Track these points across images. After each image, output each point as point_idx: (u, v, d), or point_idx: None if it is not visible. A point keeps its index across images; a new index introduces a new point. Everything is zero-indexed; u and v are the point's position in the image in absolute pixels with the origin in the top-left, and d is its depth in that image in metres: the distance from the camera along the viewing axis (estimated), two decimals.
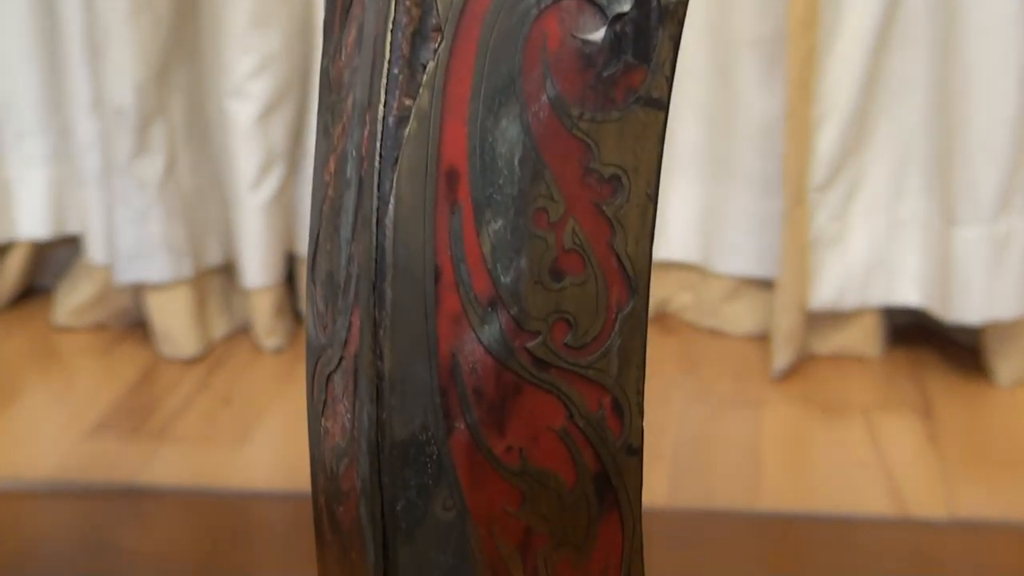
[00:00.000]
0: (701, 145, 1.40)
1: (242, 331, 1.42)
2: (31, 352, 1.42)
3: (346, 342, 0.37)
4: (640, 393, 0.38)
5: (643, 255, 0.38)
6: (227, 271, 1.42)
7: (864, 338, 1.38)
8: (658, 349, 1.41)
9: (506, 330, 0.37)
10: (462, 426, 0.36)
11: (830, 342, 1.39)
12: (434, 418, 0.36)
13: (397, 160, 0.36)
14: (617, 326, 0.38)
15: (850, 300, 1.36)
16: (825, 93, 1.31)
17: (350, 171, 0.38)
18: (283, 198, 1.37)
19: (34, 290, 1.51)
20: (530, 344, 0.37)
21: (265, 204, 1.36)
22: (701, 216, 1.41)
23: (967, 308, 1.30)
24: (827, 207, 1.34)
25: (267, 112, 1.35)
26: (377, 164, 0.37)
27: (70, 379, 1.38)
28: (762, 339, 1.41)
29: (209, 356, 1.40)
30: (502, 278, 0.36)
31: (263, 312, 1.38)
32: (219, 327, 1.42)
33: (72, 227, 1.45)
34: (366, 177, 0.37)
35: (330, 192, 0.39)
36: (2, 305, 1.48)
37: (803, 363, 1.38)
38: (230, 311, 1.42)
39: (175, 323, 1.37)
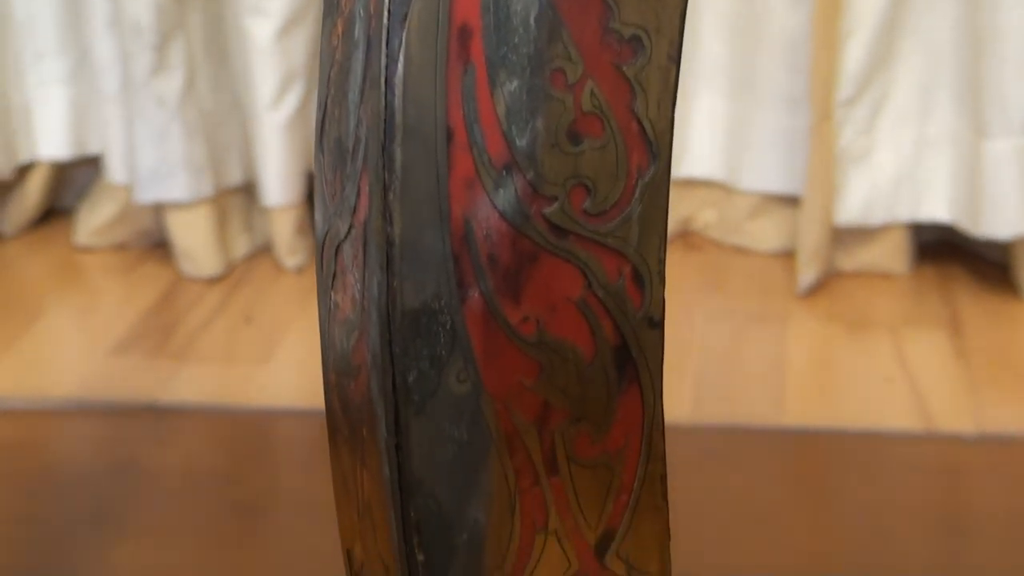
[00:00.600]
0: (726, 59, 1.37)
1: (263, 250, 1.41)
2: (53, 272, 1.41)
3: (355, 209, 0.36)
4: (662, 263, 0.37)
5: (665, 119, 0.37)
6: (248, 190, 1.41)
7: (891, 254, 1.36)
8: (682, 267, 1.39)
9: (521, 195, 0.35)
10: (476, 295, 0.35)
11: (856, 259, 1.37)
12: (447, 286, 0.35)
13: (406, 16, 0.35)
14: (637, 192, 0.36)
15: (877, 216, 1.33)
16: (852, 6, 1.29)
17: (358, 31, 0.36)
18: (303, 116, 1.35)
19: (55, 211, 1.50)
20: (547, 210, 0.35)
21: (285, 122, 1.34)
22: (725, 132, 1.39)
23: (996, 222, 1.28)
24: (854, 122, 1.32)
25: (286, 29, 1.33)
26: (386, 21, 0.35)
27: (92, 299, 1.37)
28: (787, 256, 1.39)
29: (230, 275, 1.38)
30: (517, 141, 0.35)
31: (284, 231, 1.36)
32: (240, 246, 1.40)
33: (92, 147, 1.44)
34: (374, 36, 0.35)
35: (338, 56, 0.37)
36: (24, 226, 1.46)
37: (829, 280, 1.36)
38: (251, 230, 1.41)
39: (196, 242, 1.35)
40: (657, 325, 0.37)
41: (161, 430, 1.20)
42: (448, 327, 0.35)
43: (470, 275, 0.35)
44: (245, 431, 1.19)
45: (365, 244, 0.35)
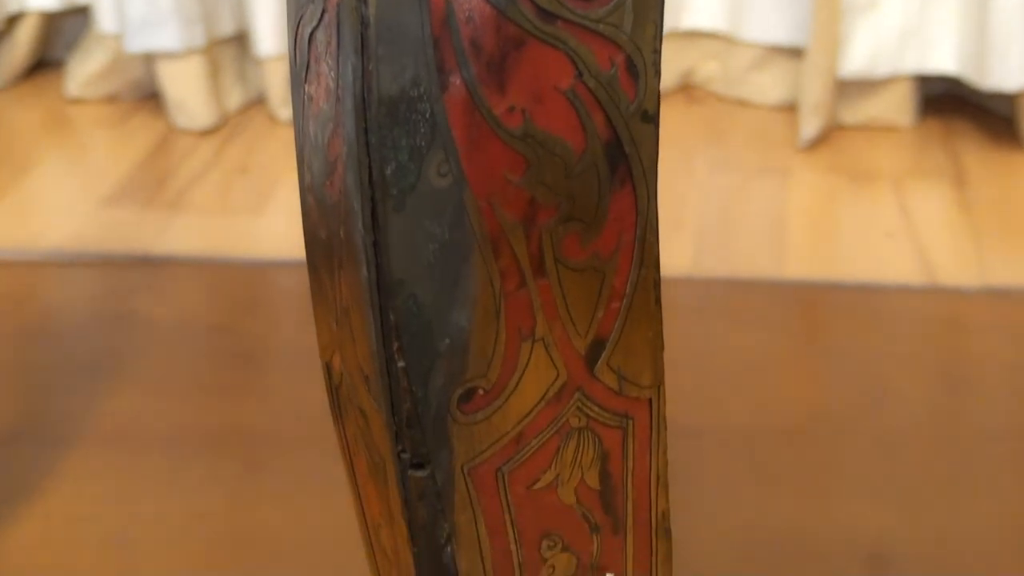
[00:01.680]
0: None
1: (257, 102, 1.38)
2: (44, 124, 1.38)
3: None
4: (657, 53, 0.34)
5: None
6: (240, 40, 1.37)
7: (896, 107, 1.33)
8: (683, 119, 1.36)
9: None
10: (458, 82, 0.32)
11: (860, 112, 1.34)
12: (426, 71, 0.32)
13: None
14: None
15: (882, 68, 1.30)
16: None
17: None
18: None
19: (46, 62, 1.46)
20: None
21: None
22: None
23: (1003, 74, 1.25)
24: None
25: None
26: None
27: (84, 150, 1.35)
28: (790, 109, 1.36)
29: (224, 127, 1.35)
30: None
31: (278, 81, 1.33)
32: (233, 97, 1.37)
33: None
34: None
35: None
36: (14, 77, 1.43)
37: (832, 133, 1.33)
38: (244, 81, 1.38)
39: (189, 93, 1.32)
40: (652, 119, 0.34)
41: (155, 281, 1.18)
42: (428, 116, 0.32)
43: (451, 61, 0.32)
44: (239, 282, 1.17)
45: (339, 27, 0.32)
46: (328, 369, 0.39)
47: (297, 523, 1.00)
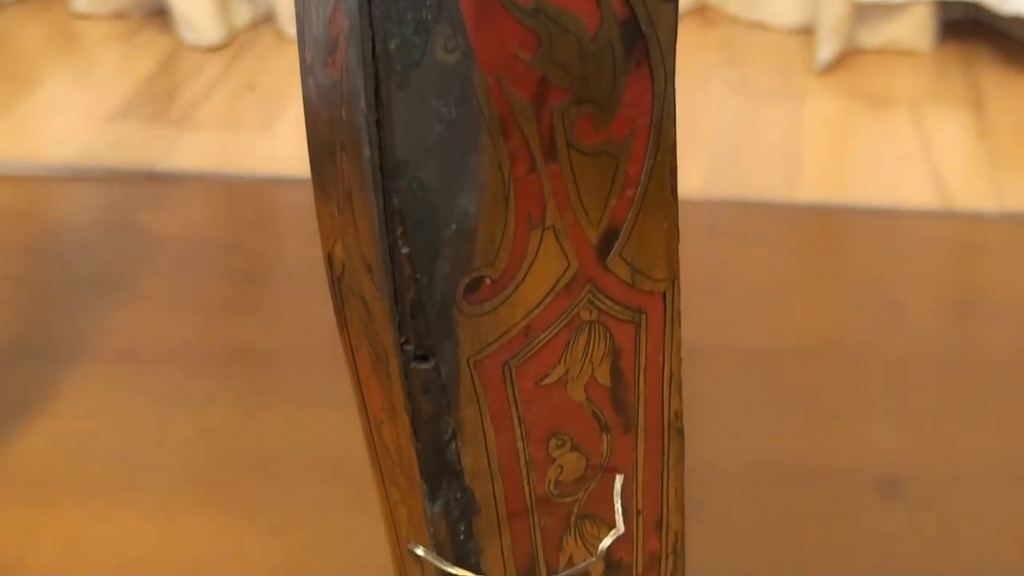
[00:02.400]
0: None
1: (265, 19, 1.36)
2: (51, 39, 1.36)
3: None
4: None
5: None
6: None
7: (914, 31, 1.30)
8: (698, 41, 1.33)
9: None
10: None
11: (878, 35, 1.31)
12: None
13: None
14: None
15: None
16: None
17: None
18: None
19: None
20: None
21: None
22: None
23: None
24: None
25: None
26: None
27: (91, 66, 1.33)
28: (807, 32, 1.33)
29: (232, 43, 1.33)
30: None
31: None
32: (242, 14, 1.35)
33: None
34: None
35: None
36: None
37: (849, 56, 1.30)
38: None
39: (197, 9, 1.30)
40: None
41: (161, 197, 1.16)
42: None
43: None
44: (246, 199, 1.15)
45: None
46: (330, 260, 0.38)
47: (303, 440, 0.99)
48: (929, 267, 1.09)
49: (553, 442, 0.35)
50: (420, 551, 0.36)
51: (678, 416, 0.36)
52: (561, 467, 0.36)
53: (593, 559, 0.36)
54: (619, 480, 0.36)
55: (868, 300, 1.07)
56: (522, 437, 0.35)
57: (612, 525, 0.36)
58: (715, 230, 1.13)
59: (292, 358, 1.05)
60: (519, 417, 0.35)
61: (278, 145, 1.19)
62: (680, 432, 0.37)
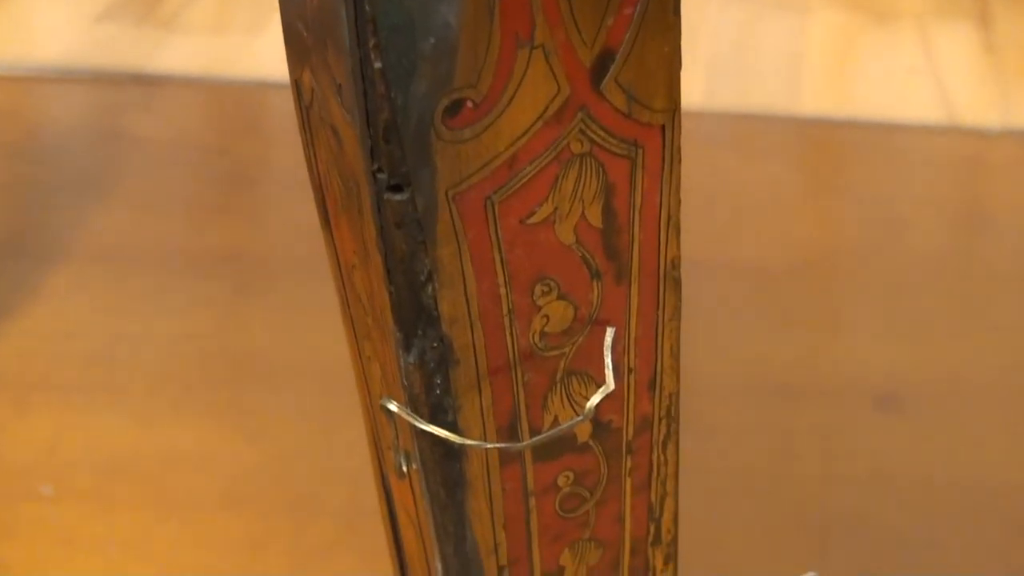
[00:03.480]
0: None
1: None
2: None
3: None
4: None
5: None
6: None
7: None
8: None
9: None
10: None
11: None
12: None
13: None
14: None
15: None
16: None
17: None
18: None
19: None
20: None
21: None
22: None
23: None
24: None
25: None
26: None
27: None
28: None
29: None
30: None
31: None
32: None
33: None
34: None
35: None
36: None
37: None
38: None
39: None
40: None
41: (149, 99, 1.12)
42: None
43: None
44: (235, 102, 1.12)
45: None
46: (298, 88, 0.34)
47: (288, 344, 0.96)
48: (933, 182, 1.06)
49: (538, 289, 0.32)
50: (393, 406, 0.33)
51: (675, 265, 0.33)
52: (547, 317, 0.32)
53: (580, 418, 0.33)
54: (610, 333, 0.33)
55: (869, 214, 1.04)
56: (505, 282, 0.32)
57: (601, 383, 0.33)
58: (714, 142, 1.09)
59: (279, 262, 1.02)
60: (502, 259, 0.31)
61: (269, 48, 1.15)
62: (677, 283, 0.33)
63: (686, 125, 1.03)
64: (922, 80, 1.13)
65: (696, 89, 1.12)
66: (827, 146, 1.10)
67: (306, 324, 0.95)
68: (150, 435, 0.91)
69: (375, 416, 0.36)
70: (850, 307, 0.97)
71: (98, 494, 0.88)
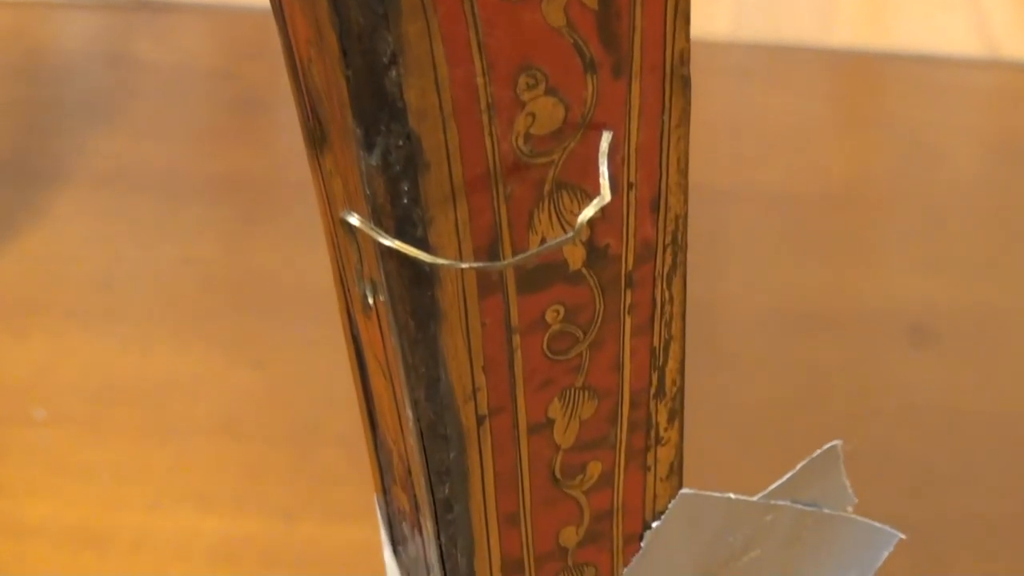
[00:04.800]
0: None
1: None
2: None
3: None
4: None
5: None
6: None
7: None
8: None
9: None
10: None
11: None
12: None
13: None
14: None
15: None
16: None
17: None
18: None
19: None
20: None
21: None
22: None
23: None
24: None
25: None
26: None
27: None
28: None
29: None
30: None
31: None
32: None
33: None
34: None
35: None
36: None
37: None
38: None
39: None
40: None
41: (154, 25, 1.08)
42: None
43: None
44: (244, 27, 1.07)
45: None
46: None
47: (295, 270, 0.91)
48: (970, 115, 1.01)
49: (523, 81, 0.27)
50: (354, 219, 0.28)
51: (684, 60, 0.28)
52: (533, 116, 0.28)
53: (570, 234, 0.28)
54: (606, 139, 0.28)
55: (903, 146, 0.99)
56: (483, 71, 0.27)
57: (596, 197, 0.28)
58: (743, 73, 1.04)
59: (286, 189, 0.97)
60: (479, 43, 0.26)
61: None
62: (686, 82, 0.29)
63: (713, 57, 0.98)
64: (959, 10, 1.08)
65: (724, 19, 1.07)
66: (860, 79, 1.05)
67: (314, 251, 0.90)
68: (148, 361, 0.87)
69: (338, 243, 0.31)
70: (883, 238, 0.92)
71: (92, 420, 0.84)
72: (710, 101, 1.10)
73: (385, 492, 0.35)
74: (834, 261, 0.90)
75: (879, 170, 0.97)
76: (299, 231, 0.93)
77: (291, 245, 0.93)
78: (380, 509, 0.35)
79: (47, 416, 0.84)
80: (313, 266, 0.90)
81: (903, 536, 0.35)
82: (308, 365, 0.85)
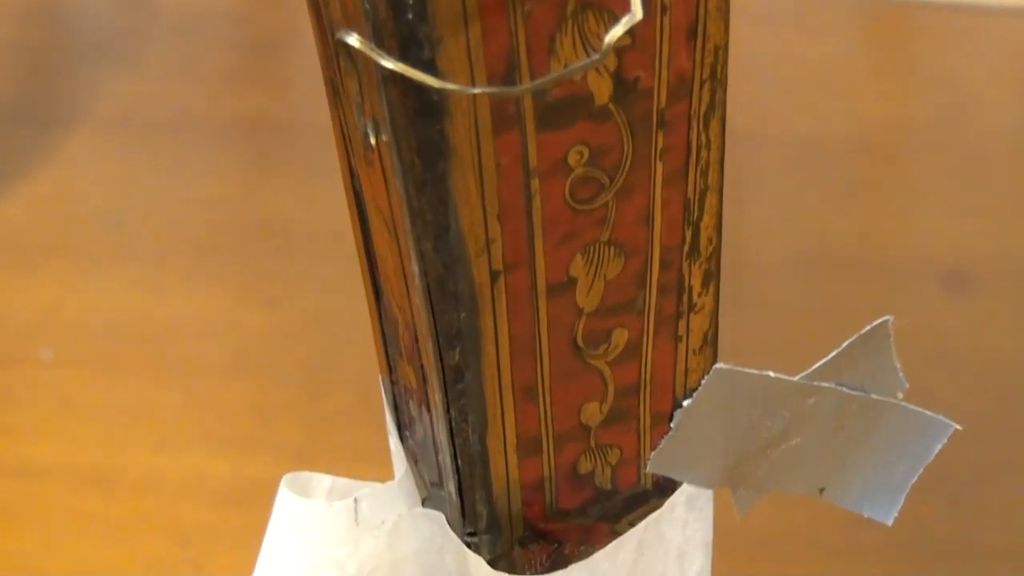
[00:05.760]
0: None
1: None
2: None
3: None
4: None
5: None
6: None
7: None
8: None
9: None
10: None
11: None
12: None
13: None
14: None
15: None
16: None
17: None
18: None
19: None
20: None
21: None
22: None
23: None
24: None
25: None
26: None
27: None
28: None
29: None
30: None
31: None
32: None
33: None
34: None
35: None
36: None
37: None
38: None
39: None
40: None
41: None
42: None
43: None
44: None
45: None
46: None
47: (307, 212, 0.88)
48: (1009, 63, 0.97)
49: None
50: (353, 39, 0.25)
51: None
52: None
53: (596, 57, 0.25)
54: None
55: (938, 93, 0.95)
56: None
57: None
58: (775, 18, 1.01)
59: (301, 130, 0.94)
60: None
61: None
62: None
63: (745, 2, 0.93)
64: None
65: None
66: (897, 27, 1.01)
67: (327, 192, 0.86)
68: (158, 301, 0.84)
69: (338, 74, 0.28)
70: (917, 184, 0.89)
71: (100, 359, 0.81)
72: (742, 47, 1.06)
73: (391, 370, 0.32)
74: (867, 207, 0.87)
75: (913, 116, 0.94)
76: (314, 174, 0.90)
77: (305, 188, 0.90)
78: (385, 390, 0.32)
79: (55, 356, 0.81)
80: (325, 208, 0.87)
81: (958, 427, 0.31)
82: (321, 306, 0.82)
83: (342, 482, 0.31)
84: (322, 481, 0.31)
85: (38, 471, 0.76)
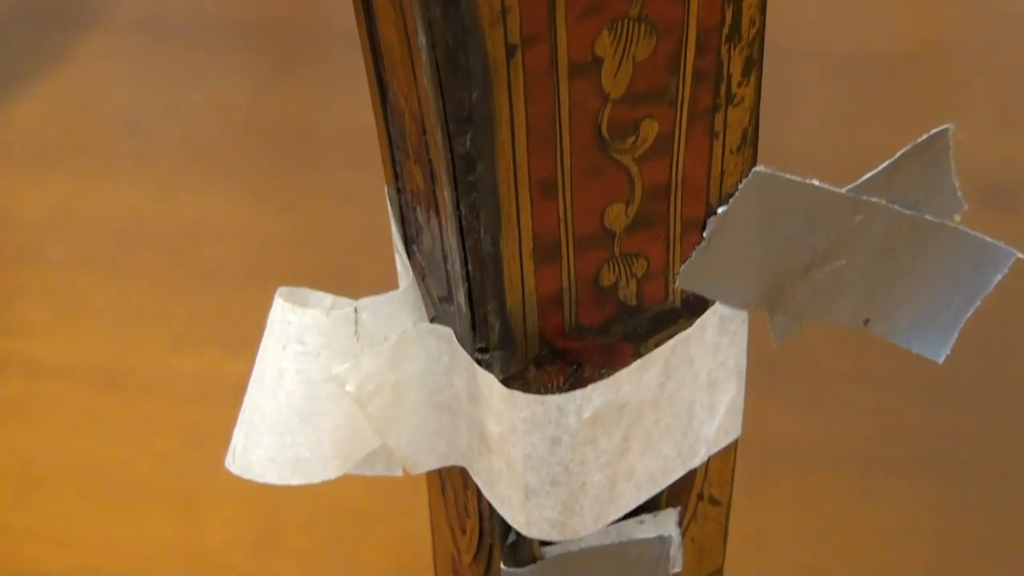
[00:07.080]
0: None
1: None
2: None
3: None
4: None
5: None
6: None
7: None
8: None
9: None
10: None
11: None
12: None
13: None
14: None
15: None
16: None
17: None
18: None
19: None
20: None
21: None
22: None
23: None
24: None
25: None
26: None
27: None
28: None
29: None
30: None
31: None
32: None
33: None
34: None
35: None
36: None
37: None
38: None
39: None
40: None
41: None
42: None
43: None
44: None
45: None
46: None
47: (328, 117, 0.85)
48: None
49: None
50: None
51: None
52: None
53: None
54: None
55: (978, 8, 0.91)
56: None
57: None
58: None
59: (321, 36, 0.91)
60: None
61: None
62: None
63: None
64: None
65: None
66: None
67: (347, 98, 0.84)
68: (173, 205, 0.81)
69: None
70: (956, 99, 0.85)
71: (112, 261, 0.78)
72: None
73: (397, 177, 0.29)
74: (904, 121, 0.83)
75: (953, 32, 0.90)
76: (332, 80, 0.87)
77: (323, 93, 0.87)
78: (391, 202, 0.29)
79: (65, 256, 0.79)
80: (345, 114, 0.84)
81: (1021, 254, 0.28)
82: (338, 211, 0.79)
83: (344, 301, 0.28)
84: (322, 299, 0.28)
85: (49, 369, 0.73)
